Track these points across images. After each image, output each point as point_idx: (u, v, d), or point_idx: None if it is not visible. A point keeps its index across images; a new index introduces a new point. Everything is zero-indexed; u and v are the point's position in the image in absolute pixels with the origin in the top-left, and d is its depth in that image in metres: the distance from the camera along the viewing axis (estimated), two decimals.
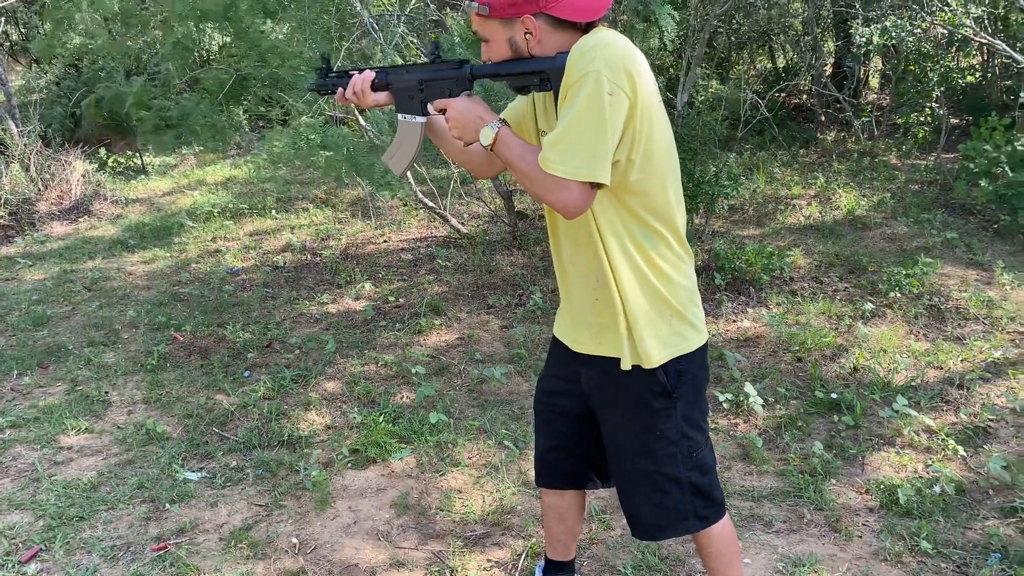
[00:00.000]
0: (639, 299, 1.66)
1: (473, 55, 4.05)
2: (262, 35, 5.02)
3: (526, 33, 1.60)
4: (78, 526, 2.67)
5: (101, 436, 3.25)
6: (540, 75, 1.61)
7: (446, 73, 1.72)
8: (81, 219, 6.70)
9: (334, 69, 1.87)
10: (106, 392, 3.61)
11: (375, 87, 1.79)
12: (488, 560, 2.44)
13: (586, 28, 1.61)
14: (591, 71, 1.48)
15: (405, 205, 6.54)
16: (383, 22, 5.11)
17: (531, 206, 6.21)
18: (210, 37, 8.18)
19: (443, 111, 1.71)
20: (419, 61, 4.47)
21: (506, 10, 1.58)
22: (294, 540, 2.57)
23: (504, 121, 1.62)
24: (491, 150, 1.62)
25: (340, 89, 1.82)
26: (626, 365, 1.69)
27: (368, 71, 1.79)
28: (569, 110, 1.51)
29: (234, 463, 3.02)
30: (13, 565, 2.47)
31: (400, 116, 1.80)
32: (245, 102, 5.87)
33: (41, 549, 2.55)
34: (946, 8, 5.66)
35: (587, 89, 1.48)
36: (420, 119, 1.78)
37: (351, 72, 1.81)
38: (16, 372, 3.83)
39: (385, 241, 5.77)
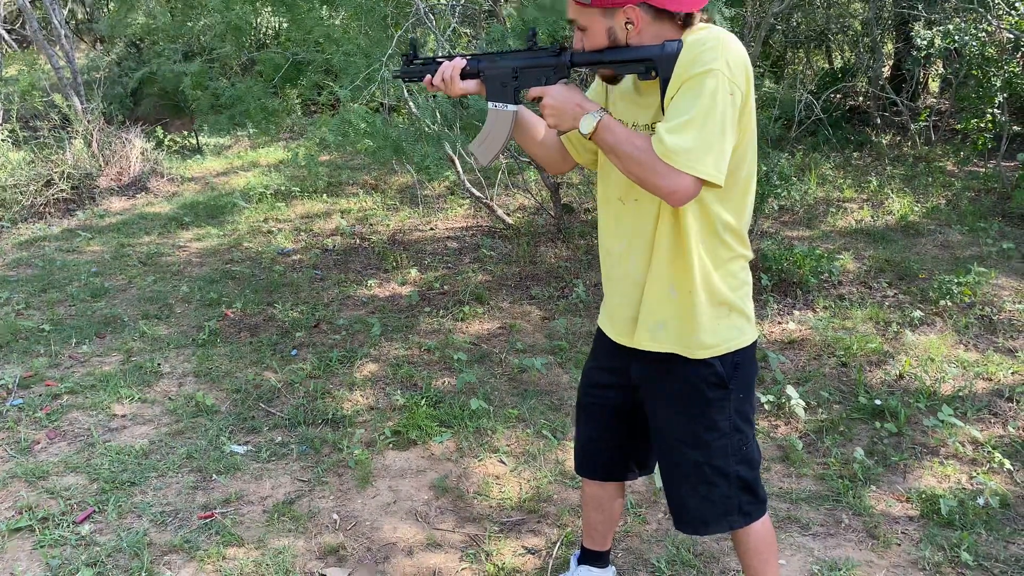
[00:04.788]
0: (702, 293, 1.67)
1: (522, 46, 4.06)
2: (318, 21, 5.10)
3: (627, 23, 1.59)
4: (130, 491, 2.77)
5: (153, 406, 3.36)
6: (647, 63, 1.58)
7: (543, 60, 1.69)
8: (139, 195, 6.89)
9: (419, 56, 1.84)
10: (159, 364, 3.72)
11: (465, 75, 1.76)
12: (523, 546, 2.48)
13: (684, 20, 1.60)
14: (714, 69, 1.49)
15: (452, 194, 6.60)
16: (437, 12, 5.15)
17: (577, 199, 6.22)
18: (267, 21, 8.34)
19: (538, 99, 1.68)
20: (473, 51, 4.51)
21: None
22: (335, 516, 2.64)
23: (605, 109, 1.61)
24: (590, 138, 1.60)
25: (428, 76, 1.79)
26: (680, 353, 1.71)
27: (459, 58, 1.76)
28: (690, 104, 1.50)
29: (279, 438, 3.11)
30: (68, 524, 2.58)
31: (491, 104, 1.76)
32: (300, 86, 5.97)
33: (95, 511, 2.65)
34: (1013, 12, 5.51)
35: (710, 86, 1.49)
36: (512, 108, 1.75)
37: (438, 59, 1.79)
38: (75, 341, 3.97)
39: (431, 229, 5.83)
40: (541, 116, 1.72)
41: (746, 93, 1.55)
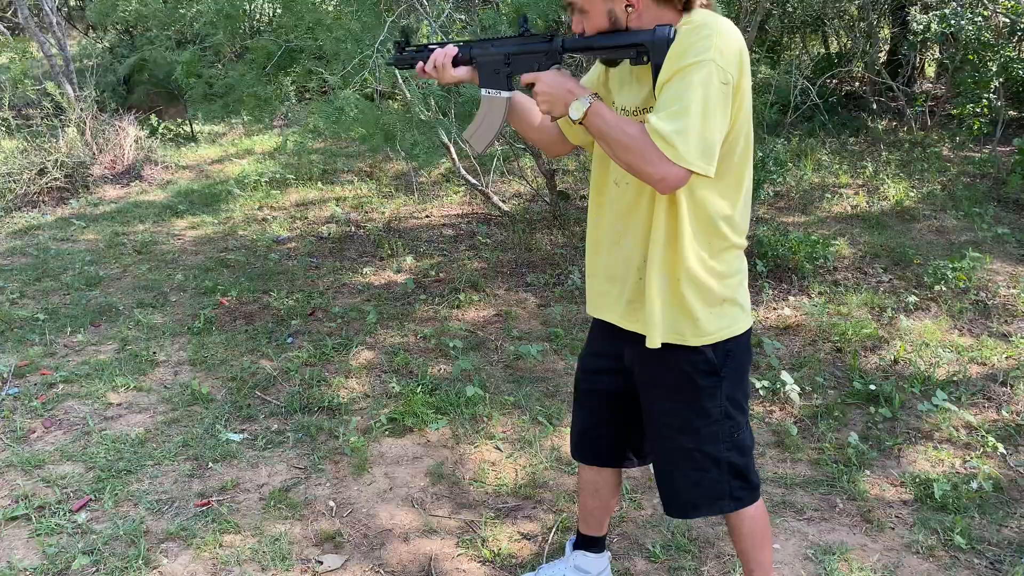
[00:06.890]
0: (695, 281, 1.67)
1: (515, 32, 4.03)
2: (311, 7, 5.06)
3: (627, 6, 1.58)
4: (126, 479, 2.77)
5: (148, 394, 3.36)
6: (638, 48, 1.57)
7: (535, 47, 1.69)
8: (133, 183, 6.86)
9: (411, 43, 1.84)
10: (154, 352, 3.72)
11: (457, 62, 1.76)
12: (519, 532, 2.49)
13: (685, 4, 1.59)
14: (707, 59, 1.48)
15: (448, 181, 6.59)
16: None
17: (573, 186, 6.21)
18: (260, 8, 8.27)
19: (531, 85, 1.68)
20: (463, 37, 4.48)
21: None
22: (331, 503, 2.64)
23: (596, 95, 1.60)
24: (581, 123, 1.59)
25: (420, 63, 1.79)
26: (672, 340, 1.71)
27: (451, 45, 1.75)
28: (682, 95, 1.50)
29: (275, 426, 3.11)
30: (65, 513, 2.58)
31: (484, 91, 1.76)
32: (293, 73, 5.92)
33: (91, 499, 2.66)
34: None
35: (702, 77, 1.48)
36: (505, 94, 1.75)
37: (430, 46, 1.79)
38: (70, 330, 3.96)
39: (427, 216, 5.82)
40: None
41: (738, 81, 1.54)
